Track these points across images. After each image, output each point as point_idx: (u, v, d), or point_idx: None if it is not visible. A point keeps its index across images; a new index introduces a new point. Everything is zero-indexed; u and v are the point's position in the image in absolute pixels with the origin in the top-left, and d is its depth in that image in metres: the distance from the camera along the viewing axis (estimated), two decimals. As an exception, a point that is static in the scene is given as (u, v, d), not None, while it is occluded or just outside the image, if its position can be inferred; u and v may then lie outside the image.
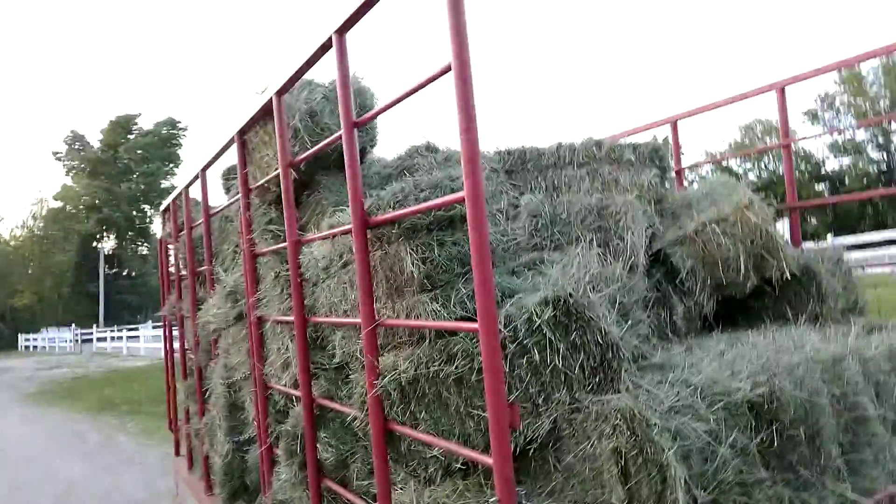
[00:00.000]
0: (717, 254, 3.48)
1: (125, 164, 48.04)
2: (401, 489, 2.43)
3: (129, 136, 48.86)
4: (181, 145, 50.27)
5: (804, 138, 24.52)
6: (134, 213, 49.59)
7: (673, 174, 5.07)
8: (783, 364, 2.43)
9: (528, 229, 3.38)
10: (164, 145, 49.17)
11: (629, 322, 2.58)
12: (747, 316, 3.63)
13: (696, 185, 4.95)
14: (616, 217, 3.45)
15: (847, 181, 28.89)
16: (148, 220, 50.11)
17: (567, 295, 2.29)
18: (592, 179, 4.09)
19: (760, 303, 3.64)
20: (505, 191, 3.87)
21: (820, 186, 29.41)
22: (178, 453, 6.30)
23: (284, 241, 3.10)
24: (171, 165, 49.36)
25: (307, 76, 3.46)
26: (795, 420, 2.28)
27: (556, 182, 4.11)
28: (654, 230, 3.70)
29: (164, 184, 47.86)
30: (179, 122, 50.52)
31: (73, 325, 38.23)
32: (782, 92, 4.38)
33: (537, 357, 2.26)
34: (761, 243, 3.48)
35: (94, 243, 48.28)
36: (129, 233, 49.80)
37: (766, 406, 2.24)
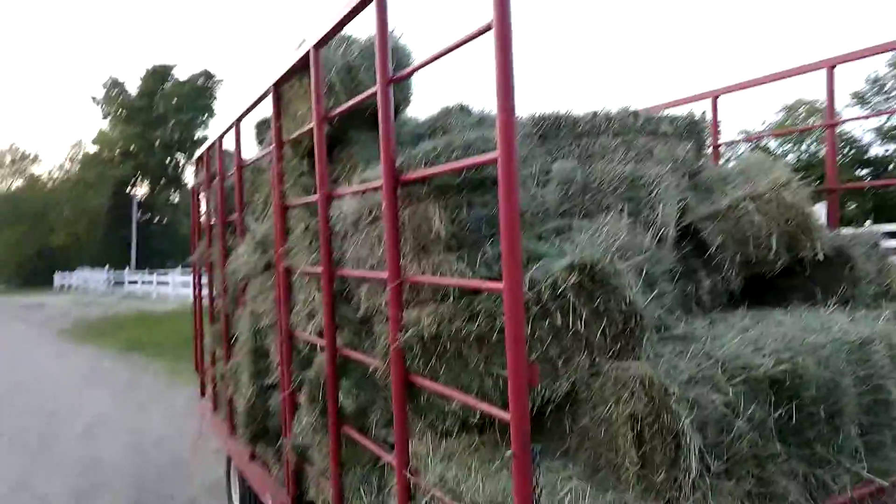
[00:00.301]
0: (749, 231, 3.43)
1: (160, 113, 48.49)
2: (418, 440, 2.50)
3: (165, 85, 49.23)
4: (216, 98, 50.53)
5: (851, 119, 23.59)
6: (167, 160, 50.30)
7: (709, 149, 4.96)
8: (808, 343, 2.41)
9: (558, 195, 3.36)
10: (198, 96, 49.46)
11: (654, 292, 2.58)
12: (775, 295, 3.59)
13: (732, 162, 4.85)
14: (648, 188, 3.40)
15: (890, 168, 27.90)
16: (181, 168, 50.81)
17: (593, 261, 2.29)
18: (627, 149, 4.02)
19: (790, 282, 3.59)
20: (537, 156, 3.83)
21: (862, 172, 28.46)
22: (203, 395, 6.53)
23: (315, 194, 3.14)
24: (206, 116, 49.72)
25: (345, 31, 3.45)
26: (817, 398, 2.28)
27: (589, 150, 4.05)
28: (686, 204, 3.65)
29: (198, 134, 48.33)
30: (214, 75, 50.69)
31: (108, 266, 39.33)
32: (832, 70, 4.23)
33: (559, 321, 2.28)
34: (796, 222, 3.42)
35: (128, 189, 49.21)
36: (162, 180, 50.59)
37: (788, 383, 2.24)
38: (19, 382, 12.08)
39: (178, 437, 8.10)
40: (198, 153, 6.63)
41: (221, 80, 50.59)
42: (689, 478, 1.95)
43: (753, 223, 3.42)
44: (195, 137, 47.30)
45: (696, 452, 1.95)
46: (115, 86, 49.95)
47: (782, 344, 2.39)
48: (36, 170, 53.59)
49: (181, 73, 50.29)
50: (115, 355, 14.80)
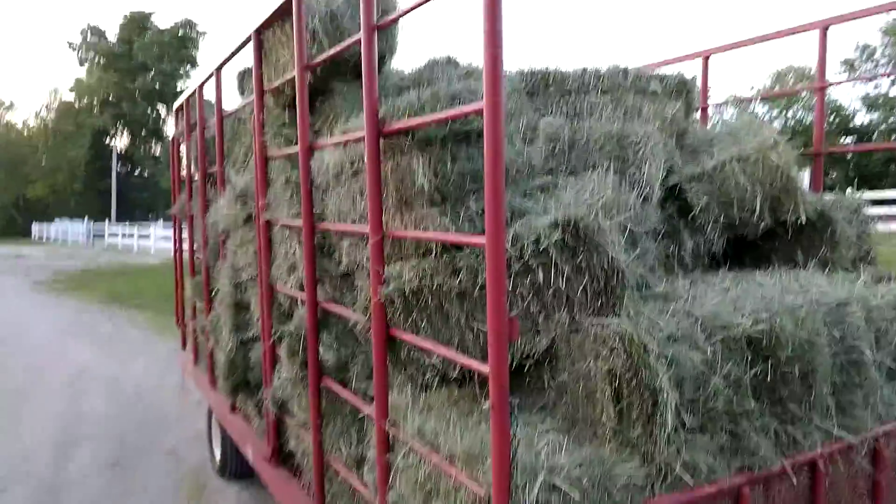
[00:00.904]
0: (733, 193, 3.43)
1: (140, 62, 47.02)
2: (397, 393, 2.51)
3: (144, 34, 47.63)
4: (198, 48, 49.03)
5: (842, 82, 23.52)
6: (148, 111, 49.05)
7: (698, 110, 4.92)
8: (786, 304, 2.43)
9: (544, 152, 3.32)
10: (180, 46, 47.97)
11: (637, 251, 2.58)
12: (756, 257, 3.62)
13: (720, 124, 4.80)
14: (635, 147, 3.37)
15: (875, 137, 28.04)
16: (162, 120, 49.65)
17: (577, 218, 2.27)
18: (615, 108, 3.97)
19: (771, 245, 3.61)
20: (525, 112, 3.77)
21: (846, 139, 28.60)
22: (184, 347, 6.52)
23: (297, 145, 3.07)
24: (188, 67, 48.35)
25: (329, -25, 3.32)
26: (791, 358, 2.31)
27: (577, 107, 3.99)
28: (672, 164, 3.63)
29: (180, 85, 47.05)
30: (196, 24, 49.09)
31: (87, 217, 38.76)
32: (825, 31, 4.17)
33: (541, 277, 2.28)
34: (780, 185, 3.42)
35: (108, 140, 48.09)
36: (143, 132, 49.45)
37: (765, 342, 2.26)
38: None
39: (159, 389, 8.12)
40: (177, 103, 6.45)
41: (205, 33, 49.10)
42: (664, 432, 1.98)
43: (738, 185, 3.42)
44: (177, 89, 46.09)
45: (673, 408, 1.98)
46: (93, 32, 48.28)
47: (761, 304, 2.41)
48: (11, 118, 52.13)
49: (161, 22, 48.72)
50: (95, 308, 14.69)
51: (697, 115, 4.88)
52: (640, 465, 1.98)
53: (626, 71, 4.04)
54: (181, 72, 48.17)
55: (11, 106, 53.59)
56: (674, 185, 3.54)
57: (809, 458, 2.29)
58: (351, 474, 2.75)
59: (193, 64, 48.29)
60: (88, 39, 48.40)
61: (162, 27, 48.12)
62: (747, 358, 2.25)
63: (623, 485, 1.90)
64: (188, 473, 5.58)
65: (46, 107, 50.80)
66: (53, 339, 11.56)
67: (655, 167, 3.37)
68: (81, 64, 48.86)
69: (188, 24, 48.64)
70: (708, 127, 4.80)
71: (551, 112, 3.90)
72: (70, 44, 48.74)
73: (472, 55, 4.35)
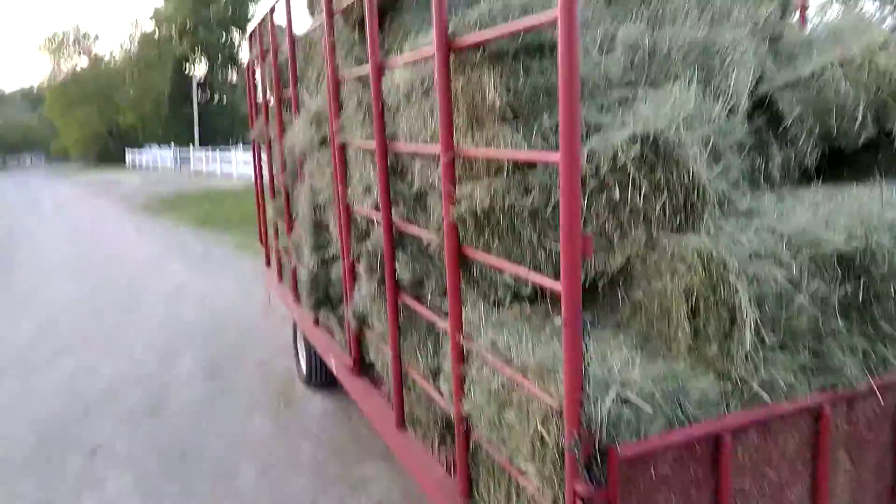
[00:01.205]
0: (832, 100, 3.15)
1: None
2: (471, 309, 2.58)
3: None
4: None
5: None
6: (223, 38, 49.63)
7: (796, 11, 4.47)
8: (886, 219, 2.27)
9: (623, 63, 3.14)
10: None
11: (720, 166, 2.45)
12: (855, 170, 3.36)
13: (821, 25, 4.35)
14: (723, 54, 3.14)
15: None
16: (236, 47, 50.22)
17: (657, 132, 2.17)
18: (701, 12, 3.67)
19: (872, 157, 3.33)
20: (602, 20, 3.56)
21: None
22: (268, 265, 6.88)
23: (367, 65, 3.05)
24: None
25: None
26: (887, 276, 2.18)
27: (659, 13, 3.71)
28: (763, 72, 3.37)
29: (252, 10, 47.07)
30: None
31: (173, 143, 40.62)
32: None
33: (617, 195, 2.22)
34: (888, 91, 3.11)
35: (187, 68, 49.31)
36: (219, 58, 50.26)
37: (858, 260, 2.14)
38: (106, 254, 13.04)
39: (247, 303, 8.68)
40: (250, 28, 6.50)
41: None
42: (742, 350, 1.95)
43: (839, 92, 3.14)
44: (249, 14, 46.19)
45: (752, 326, 1.93)
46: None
47: (856, 220, 2.27)
48: (98, 50, 54.15)
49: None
50: (186, 228, 15.63)
51: (795, 16, 4.44)
52: (716, 381, 1.97)
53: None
54: (252, -3, 48.04)
55: (96, 39, 55.51)
56: (764, 94, 3.29)
57: (890, 381, 2.20)
58: (427, 384, 2.89)
59: (263, -17, 47.93)
60: (162, -35, 48.83)
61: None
62: (837, 276, 2.14)
63: (697, 400, 1.91)
64: (277, 381, 6.04)
65: (130, 37, 52.38)
66: (152, 257, 12.48)
67: (744, 76, 3.13)
68: None
69: None
70: (807, 30, 4.38)
71: (631, 19, 3.65)
72: None
73: None
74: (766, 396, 1.97)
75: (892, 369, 2.21)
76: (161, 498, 4.23)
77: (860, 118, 3.13)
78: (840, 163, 3.40)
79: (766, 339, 1.99)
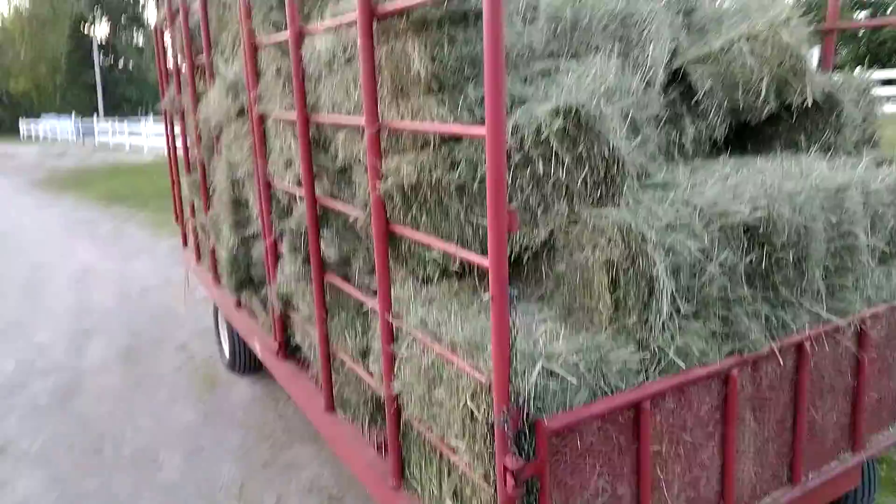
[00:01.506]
0: (739, 75, 3.30)
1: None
2: (399, 286, 2.56)
3: None
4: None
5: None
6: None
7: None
8: (786, 190, 2.42)
9: (545, 34, 3.15)
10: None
11: (638, 139, 2.52)
12: (759, 142, 3.55)
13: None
14: (640, 26, 3.20)
15: (889, 10, 26.68)
16: (141, 6, 46.97)
17: (578, 105, 2.20)
18: (620, -16, 3.73)
19: (774, 129, 3.53)
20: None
21: (860, 15, 27.25)
22: (185, 245, 6.58)
23: (286, 31, 2.91)
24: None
25: None
26: (787, 244, 2.34)
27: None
28: (677, 44, 3.47)
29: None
30: None
31: (74, 113, 37.77)
32: None
33: (541, 169, 2.25)
34: (789, 66, 3.28)
35: (86, 28, 45.73)
36: (122, 17, 46.87)
37: (762, 229, 2.28)
38: (2, 235, 12.06)
39: (164, 285, 8.29)
40: (156, -14, 6.06)
41: None
42: (659, 319, 2.04)
43: (745, 66, 3.28)
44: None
45: (668, 296, 2.02)
46: None
47: (760, 191, 2.40)
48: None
49: None
50: (94, 206, 14.69)
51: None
52: (635, 350, 2.05)
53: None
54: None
55: None
56: (678, 67, 3.40)
57: (797, 340, 2.37)
58: (357, 365, 2.87)
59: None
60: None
61: None
62: (743, 245, 2.27)
63: (618, 370, 1.99)
64: (199, 366, 5.83)
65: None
66: (57, 237, 11.66)
67: (660, 49, 3.22)
68: None
69: None
70: (718, 3, 4.55)
71: (552, -10, 3.67)
72: None
73: None
74: (681, 363, 2.08)
75: (791, 333, 2.38)
76: (78, 497, 4.01)
77: (763, 92, 3.30)
78: (746, 135, 3.58)
79: (681, 309, 2.09)
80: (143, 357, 6.08)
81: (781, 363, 2.35)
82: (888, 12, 26.58)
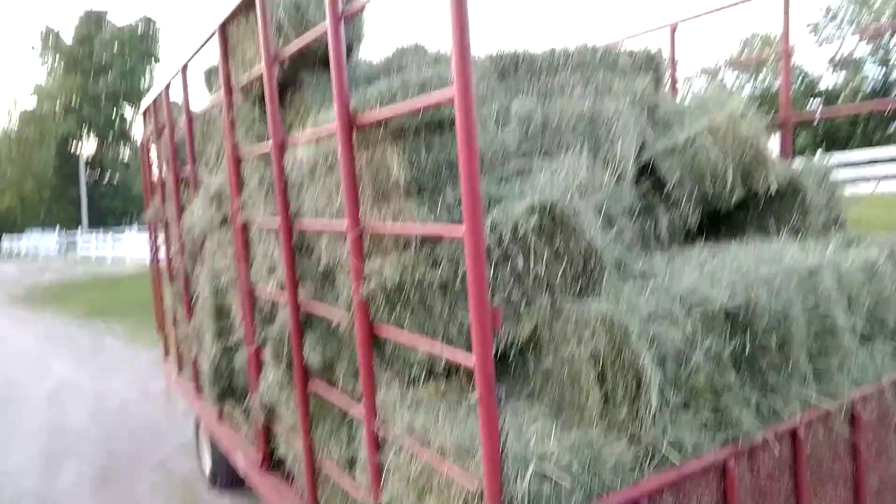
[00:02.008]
0: (705, 165, 3.45)
1: (101, 61, 45.81)
2: (385, 390, 2.50)
3: (102, 33, 46.43)
4: (158, 44, 47.95)
5: (804, 46, 23.66)
6: (113, 114, 47.91)
7: (668, 83, 4.94)
8: (761, 274, 2.47)
9: (517, 135, 3.31)
10: (141, 41, 46.82)
11: (614, 230, 2.59)
12: (731, 228, 3.66)
13: (690, 96, 4.84)
14: (607, 124, 3.38)
15: (840, 99, 28.48)
16: (128, 123, 48.58)
17: (553, 202, 2.27)
18: (586, 85, 3.97)
19: (745, 215, 3.66)
20: (496, 95, 3.75)
21: (814, 103, 29.02)
22: (167, 356, 6.44)
23: (269, 142, 3.02)
24: (150, 64, 47.25)
25: (290, -34, 3.25)
26: (768, 328, 2.35)
27: (548, 87, 3.99)
28: (644, 139, 3.65)
29: (144, 84, 45.99)
30: (154, 20, 48.03)
31: (59, 226, 37.96)
32: (787, -2, 4.20)
33: (521, 264, 2.28)
34: (751, 155, 3.45)
35: (73, 146, 46.95)
36: (110, 134, 48.29)
37: (742, 315, 2.30)
38: (-25, 352, 11.74)
39: (143, 399, 8.02)
40: (144, 104, 6.31)
41: (161, 28, 48.00)
42: (649, 412, 2.00)
43: (710, 157, 3.44)
44: (141, 88, 45.06)
45: (656, 387, 2.00)
46: (49, 33, 46.93)
47: (737, 277, 2.44)
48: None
49: (118, 20, 47.58)
50: (73, 321, 14.45)
51: (668, 87, 4.89)
52: (628, 446, 2.00)
53: (594, 48, 4.04)
54: (144, 69, 47.10)
55: None
56: (647, 160, 3.55)
57: (790, 426, 2.33)
58: (343, 476, 2.74)
59: (155, 60, 47.27)
60: (48, 42, 47.10)
61: (119, 25, 46.97)
62: (726, 331, 2.27)
63: (612, 467, 1.93)
64: (178, 485, 5.52)
65: (8, 115, 49.43)
66: (32, 352, 11.36)
67: (628, 144, 3.38)
68: (49, 70, 47.50)
69: (146, 21, 47.54)
70: (678, 99, 4.83)
71: (523, 93, 3.88)
72: (34, 47, 47.31)
73: (441, 41, 4.32)
74: (675, 457, 2.02)
75: (782, 419, 2.34)
76: None
77: (730, 180, 3.44)
78: (718, 221, 3.69)
79: (670, 400, 2.06)
80: (120, 478, 5.76)
81: (777, 451, 2.29)
82: (839, 100, 28.38)
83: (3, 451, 6.62)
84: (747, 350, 2.32)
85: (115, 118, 48.19)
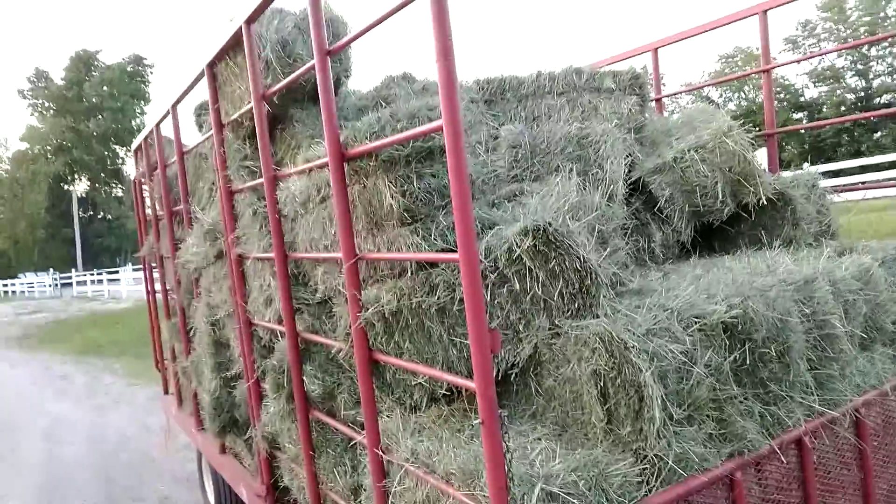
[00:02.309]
0: (695, 181, 3.50)
1: (92, 102, 46.17)
2: (387, 417, 2.50)
3: (92, 73, 46.87)
4: (149, 82, 48.44)
5: (784, 64, 24.11)
6: (105, 153, 48.10)
7: (653, 102, 5.02)
8: (757, 286, 2.49)
9: (507, 160, 3.35)
10: (131, 81, 47.27)
11: (608, 249, 2.61)
12: (724, 241, 3.70)
13: (675, 114, 4.92)
14: (596, 146, 3.43)
15: (824, 109, 28.93)
16: (120, 160, 48.80)
17: (546, 224, 2.30)
18: (572, 108, 4.04)
19: (737, 228, 3.70)
20: (484, 121, 3.81)
21: (798, 115, 29.46)
22: (166, 391, 6.39)
23: (261, 177, 3.05)
24: (141, 103, 47.66)
25: (277, 4, 3.31)
26: (767, 339, 2.36)
27: (535, 111, 4.05)
28: (633, 158, 3.70)
29: (135, 123, 46.34)
30: (145, 58, 48.57)
31: (52, 269, 37.82)
32: (764, 15, 4.30)
33: (517, 286, 2.30)
34: (739, 170, 3.50)
35: (65, 186, 47.02)
36: (102, 174, 48.46)
37: (740, 326, 2.31)
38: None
39: (144, 435, 7.94)
40: (135, 143, 6.36)
41: (153, 65, 48.54)
42: (653, 428, 2.00)
43: (699, 173, 3.49)
44: (132, 126, 45.39)
45: (659, 402, 2.00)
46: (40, 76, 47.29)
47: (733, 289, 2.46)
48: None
49: (108, 59, 48.06)
50: (70, 360, 14.33)
51: (653, 106, 4.97)
52: (634, 462, 2.00)
53: (579, 71, 4.11)
54: (135, 108, 47.45)
55: None
56: (637, 179, 3.60)
57: (795, 435, 2.33)
58: (356, 501, 2.72)
59: (145, 99, 47.66)
60: (37, 85, 47.44)
61: (108, 63, 47.43)
62: (725, 344, 2.29)
63: (619, 484, 1.92)
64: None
65: None
66: (28, 393, 11.24)
67: (617, 164, 3.43)
68: (32, 112, 47.79)
69: (136, 60, 48.04)
70: (664, 118, 4.90)
71: (511, 119, 3.94)
72: (21, 91, 47.67)
73: (427, 68, 4.39)
74: (681, 471, 2.01)
75: (787, 429, 2.34)
76: None
77: (720, 195, 3.48)
78: (711, 235, 3.73)
79: (674, 414, 2.06)
80: None
81: (784, 461, 2.29)
82: (822, 110, 28.78)
83: (4, 487, 6.52)
84: (748, 361, 2.33)
85: (108, 157, 48.41)
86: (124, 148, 46.59)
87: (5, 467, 7.35)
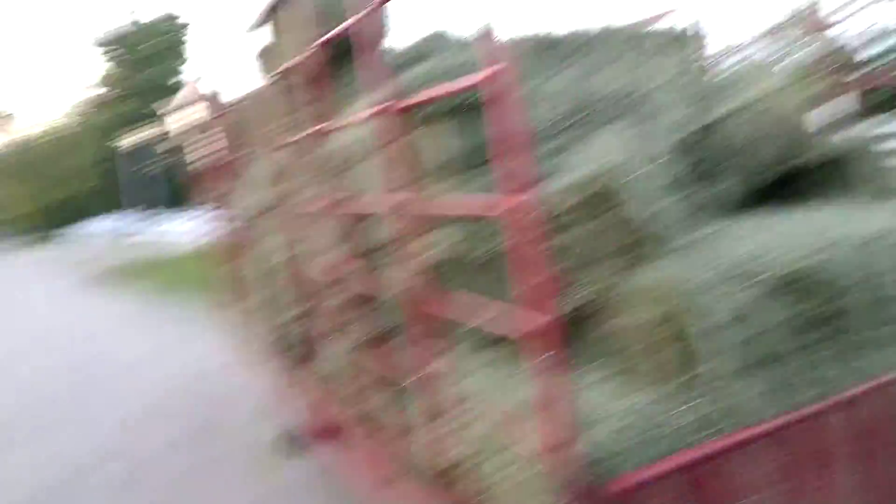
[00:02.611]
0: (745, 140, 3.44)
1: (139, 55, 46.82)
2: (448, 358, 2.58)
3: (131, 30, 47.38)
4: (184, 41, 48.53)
5: (838, 21, 22.31)
6: (155, 104, 48.82)
7: (702, 61, 4.83)
8: (817, 243, 2.42)
9: (560, 111, 3.36)
10: (168, 38, 47.43)
11: (665, 201, 2.61)
12: (778, 200, 3.62)
13: (725, 73, 4.73)
14: (642, 104, 3.39)
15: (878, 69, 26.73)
16: (169, 113, 49.47)
17: (599, 175, 2.34)
18: (617, 66, 3.96)
19: (791, 188, 3.62)
20: (528, 77, 3.79)
21: (851, 76, 27.36)
22: (239, 327, 6.73)
23: (316, 126, 3.15)
24: (180, 58, 47.92)
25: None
26: (824, 299, 2.32)
27: (580, 68, 3.99)
28: (681, 117, 3.64)
29: (173, 79, 46.63)
30: (178, 16, 48.63)
31: (119, 212, 39.61)
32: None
33: (573, 235, 2.35)
34: (790, 129, 3.42)
35: (120, 135, 48.36)
36: (154, 124, 49.38)
37: (797, 285, 2.27)
38: (70, 333, 12.49)
39: (216, 371, 8.43)
40: (196, 91, 6.56)
41: (187, 24, 48.56)
42: (708, 379, 2.04)
43: (751, 131, 3.42)
44: (169, 82, 45.75)
45: (712, 356, 2.04)
46: (105, 32, 48.12)
47: (793, 245, 2.40)
48: (26, 128, 52.15)
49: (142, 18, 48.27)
50: (149, 296, 15.13)
51: (702, 65, 4.80)
52: (687, 412, 2.03)
53: (623, 28, 4.01)
54: (173, 66, 47.73)
55: (11, 117, 53.35)
56: (685, 137, 3.55)
57: (848, 396, 2.22)
58: (412, 437, 2.87)
59: (183, 55, 47.94)
60: (108, 37, 48.26)
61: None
62: (783, 300, 2.25)
63: (670, 433, 1.98)
64: (254, 448, 5.86)
65: (73, 107, 51.10)
66: (111, 329, 12.04)
67: (665, 121, 3.39)
68: (108, 61, 48.63)
69: (169, 18, 48.16)
70: (714, 76, 4.74)
71: (555, 74, 3.90)
72: (97, 41, 48.26)
73: (467, 27, 4.30)
74: (732, 424, 2.02)
75: (840, 389, 2.23)
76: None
77: (771, 155, 3.40)
78: (765, 194, 3.65)
79: (727, 367, 2.09)
80: (204, 440, 6.15)
81: (832, 422, 2.20)
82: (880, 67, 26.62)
83: (96, 415, 7.14)
84: (806, 319, 2.30)
85: (157, 107, 49.09)
86: (170, 99, 47.21)
87: (106, 389, 8.02)
